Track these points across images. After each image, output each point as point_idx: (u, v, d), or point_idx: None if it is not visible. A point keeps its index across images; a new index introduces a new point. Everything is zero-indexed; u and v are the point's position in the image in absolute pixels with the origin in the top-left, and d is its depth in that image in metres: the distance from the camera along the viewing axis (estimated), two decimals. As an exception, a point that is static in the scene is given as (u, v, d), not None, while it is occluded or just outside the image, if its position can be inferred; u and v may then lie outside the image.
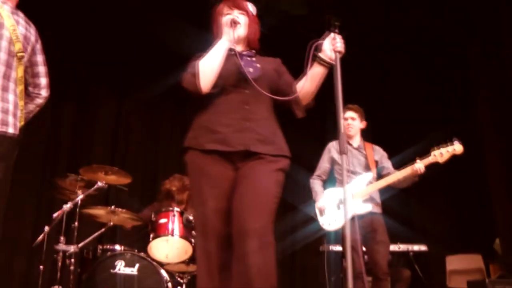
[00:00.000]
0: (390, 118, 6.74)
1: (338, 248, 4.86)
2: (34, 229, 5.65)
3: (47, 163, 6.16)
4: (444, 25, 6.10)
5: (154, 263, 4.22)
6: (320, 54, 2.53)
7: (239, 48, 2.68)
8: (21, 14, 2.89)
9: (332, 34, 2.50)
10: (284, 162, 2.55)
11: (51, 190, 4.99)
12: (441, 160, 4.13)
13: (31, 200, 5.94)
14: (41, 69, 2.93)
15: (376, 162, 4.41)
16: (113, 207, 4.54)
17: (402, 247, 5.06)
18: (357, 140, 4.50)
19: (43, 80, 2.94)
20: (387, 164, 4.44)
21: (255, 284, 2.27)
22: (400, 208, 6.09)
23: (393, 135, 6.04)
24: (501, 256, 5.53)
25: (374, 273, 4.14)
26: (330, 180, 4.55)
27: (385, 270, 4.11)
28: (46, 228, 4.60)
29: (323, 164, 4.53)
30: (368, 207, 4.22)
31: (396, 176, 4.19)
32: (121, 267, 4.08)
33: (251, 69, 2.57)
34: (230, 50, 2.60)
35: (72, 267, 4.45)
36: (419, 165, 4.13)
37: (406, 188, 4.41)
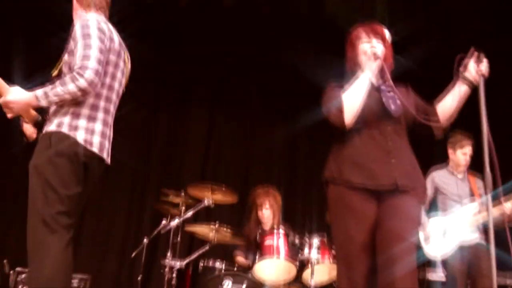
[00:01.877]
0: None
1: (440, 276, 4.79)
2: (131, 239, 5.84)
3: (138, 174, 6.36)
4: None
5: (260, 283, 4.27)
6: (465, 73, 2.54)
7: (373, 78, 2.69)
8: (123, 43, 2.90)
9: (477, 54, 2.51)
10: (424, 195, 2.67)
11: (154, 203, 5.12)
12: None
13: (129, 211, 6.15)
14: None
15: (480, 193, 4.37)
16: (216, 225, 4.62)
17: (509, 281, 4.89)
18: (462, 171, 4.47)
19: None
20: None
21: None
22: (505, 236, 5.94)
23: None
24: None
25: None
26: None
27: None
28: (145, 240, 4.76)
29: (427, 193, 4.50)
30: (475, 237, 4.18)
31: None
32: (229, 285, 4.14)
33: (393, 106, 2.58)
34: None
35: (174, 282, 4.57)
36: (508, 206, 4.00)
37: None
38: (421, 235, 4.42)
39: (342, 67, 2.84)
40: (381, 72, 2.69)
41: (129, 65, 2.90)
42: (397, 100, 2.62)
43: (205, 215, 5.84)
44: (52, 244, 2.41)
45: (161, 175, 6.33)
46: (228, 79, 6.76)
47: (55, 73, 2.70)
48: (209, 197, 4.59)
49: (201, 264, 4.65)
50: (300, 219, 6.19)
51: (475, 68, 2.49)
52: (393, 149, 2.56)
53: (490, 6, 5.74)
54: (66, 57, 2.64)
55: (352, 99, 2.55)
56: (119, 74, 2.76)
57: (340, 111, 2.55)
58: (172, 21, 6.28)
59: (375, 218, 2.54)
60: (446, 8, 5.90)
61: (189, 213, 4.60)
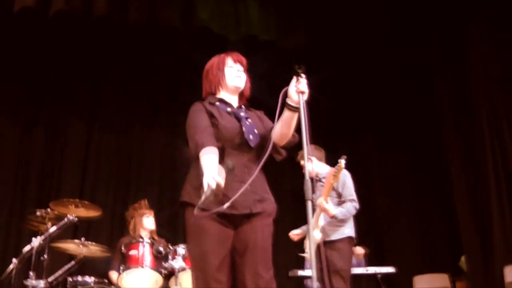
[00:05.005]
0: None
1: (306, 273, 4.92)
2: (1, 260, 5.64)
3: (16, 192, 6.16)
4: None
5: (125, 295, 4.23)
6: (287, 100, 2.66)
7: (233, 98, 2.86)
8: None
9: (295, 78, 2.62)
10: (274, 213, 2.80)
11: (21, 222, 4.97)
12: (334, 181, 4.16)
13: (6, 231, 5.94)
14: None
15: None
16: (83, 239, 4.58)
17: (370, 269, 5.13)
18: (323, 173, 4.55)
19: None
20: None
21: None
22: (367, 231, 6.23)
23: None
24: (466, 273, 5.68)
25: None
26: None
27: None
28: (14, 260, 4.61)
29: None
30: (318, 235, 4.25)
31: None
32: (92, 301, 4.08)
33: (251, 137, 2.71)
34: (230, 106, 2.81)
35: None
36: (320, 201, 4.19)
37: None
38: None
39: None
40: (240, 94, 2.90)
41: None
42: (255, 129, 2.76)
43: (86, 231, 5.79)
44: None
45: (39, 192, 6.17)
46: (104, 91, 6.70)
47: None
48: (72, 212, 4.50)
49: (69, 280, 4.57)
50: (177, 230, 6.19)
51: (295, 89, 2.60)
52: (249, 175, 2.63)
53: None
54: None
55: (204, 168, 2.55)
56: None
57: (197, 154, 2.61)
58: (42, 33, 6.16)
59: (231, 239, 2.67)
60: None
61: (52, 230, 4.48)
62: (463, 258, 5.79)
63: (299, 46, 6.12)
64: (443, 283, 5.65)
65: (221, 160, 2.60)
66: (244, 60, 2.92)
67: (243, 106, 2.88)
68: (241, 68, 2.87)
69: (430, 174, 6.64)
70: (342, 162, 4.03)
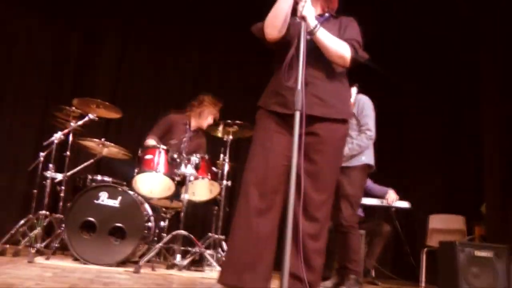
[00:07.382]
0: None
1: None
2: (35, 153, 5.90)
3: (50, 89, 6.36)
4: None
5: (138, 197, 4.35)
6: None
7: (317, 7, 2.73)
8: None
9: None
10: (343, 128, 2.67)
11: (51, 118, 5.12)
12: None
13: (34, 125, 6.17)
14: None
15: None
16: (103, 139, 4.72)
17: (384, 201, 5.08)
18: None
19: None
20: None
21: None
22: (390, 165, 6.14)
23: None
24: (484, 219, 5.59)
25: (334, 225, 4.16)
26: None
27: (344, 223, 4.09)
28: (42, 154, 4.81)
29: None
30: None
31: None
32: (104, 198, 4.22)
33: (309, 36, 2.54)
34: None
35: (61, 194, 4.70)
36: None
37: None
38: None
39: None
40: (320, 3, 2.76)
41: None
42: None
43: (116, 135, 5.97)
44: None
45: (72, 91, 6.32)
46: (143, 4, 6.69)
47: None
48: (94, 112, 4.62)
49: (89, 177, 4.76)
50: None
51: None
52: (309, 76, 2.52)
53: None
54: None
55: (273, 11, 2.57)
56: None
57: (263, 24, 2.62)
58: None
59: (289, 147, 2.43)
60: None
61: (73, 127, 4.67)
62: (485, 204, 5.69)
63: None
64: (459, 225, 5.58)
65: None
66: None
67: (327, 14, 2.77)
68: None
69: (462, 118, 6.43)
70: (353, 90, 3.96)
